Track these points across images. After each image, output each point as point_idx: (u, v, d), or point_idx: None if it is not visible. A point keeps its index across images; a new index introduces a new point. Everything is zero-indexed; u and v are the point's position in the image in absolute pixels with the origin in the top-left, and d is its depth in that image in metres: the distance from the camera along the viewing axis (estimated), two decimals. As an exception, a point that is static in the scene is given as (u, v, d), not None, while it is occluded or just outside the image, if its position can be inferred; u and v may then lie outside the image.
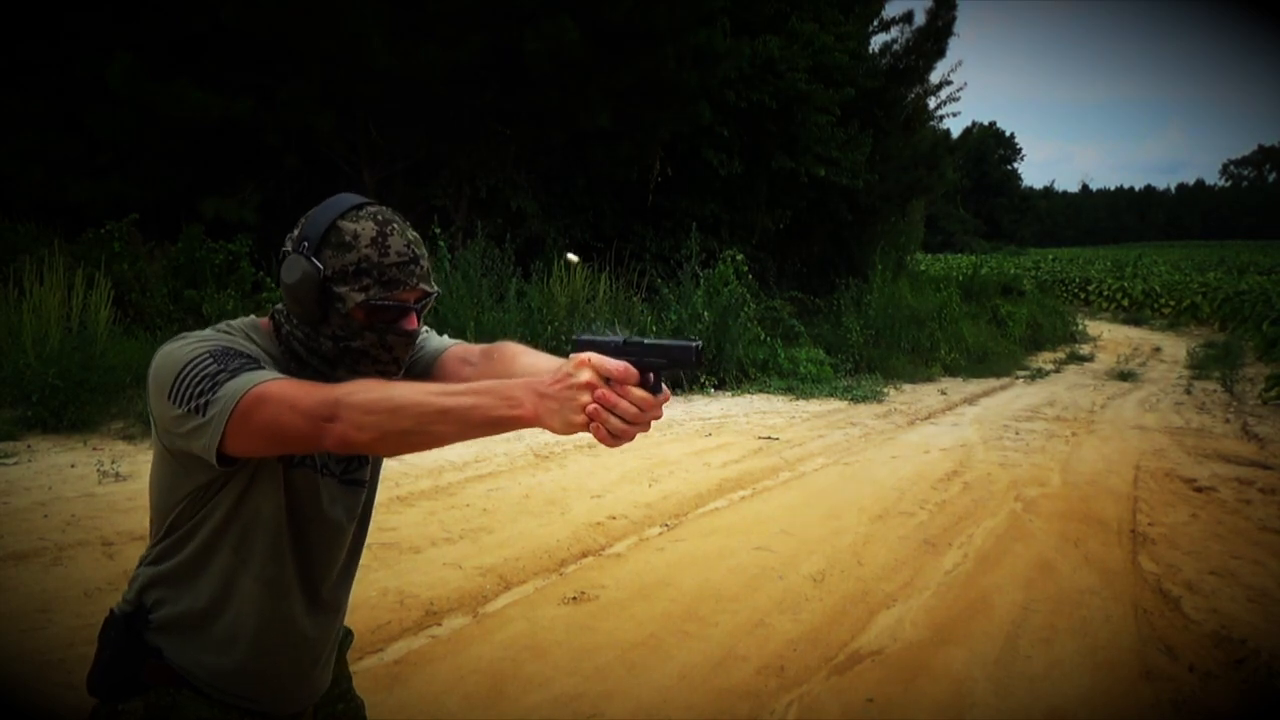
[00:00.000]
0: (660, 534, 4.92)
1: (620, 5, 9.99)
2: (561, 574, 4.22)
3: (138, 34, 8.63)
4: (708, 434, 7.74)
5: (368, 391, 1.18)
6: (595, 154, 12.00)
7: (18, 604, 3.42)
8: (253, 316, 1.39)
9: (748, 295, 11.56)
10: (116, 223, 8.40)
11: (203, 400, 1.20)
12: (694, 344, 1.18)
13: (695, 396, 9.98)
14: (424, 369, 1.50)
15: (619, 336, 1.20)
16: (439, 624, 3.57)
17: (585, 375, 1.12)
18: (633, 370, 1.13)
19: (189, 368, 1.22)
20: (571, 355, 1.17)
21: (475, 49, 9.40)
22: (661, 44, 10.77)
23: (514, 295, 9.58)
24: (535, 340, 9.09)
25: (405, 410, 1.16)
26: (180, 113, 8.48)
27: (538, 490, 5.55)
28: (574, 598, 3.91)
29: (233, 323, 1.38)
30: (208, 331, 1.32)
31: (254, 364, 1.25)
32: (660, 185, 12.81)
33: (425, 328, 1.55)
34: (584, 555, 4.49)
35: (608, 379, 1.12)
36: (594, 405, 1.11)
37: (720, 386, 10.59)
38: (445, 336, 1.60)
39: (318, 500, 1.39)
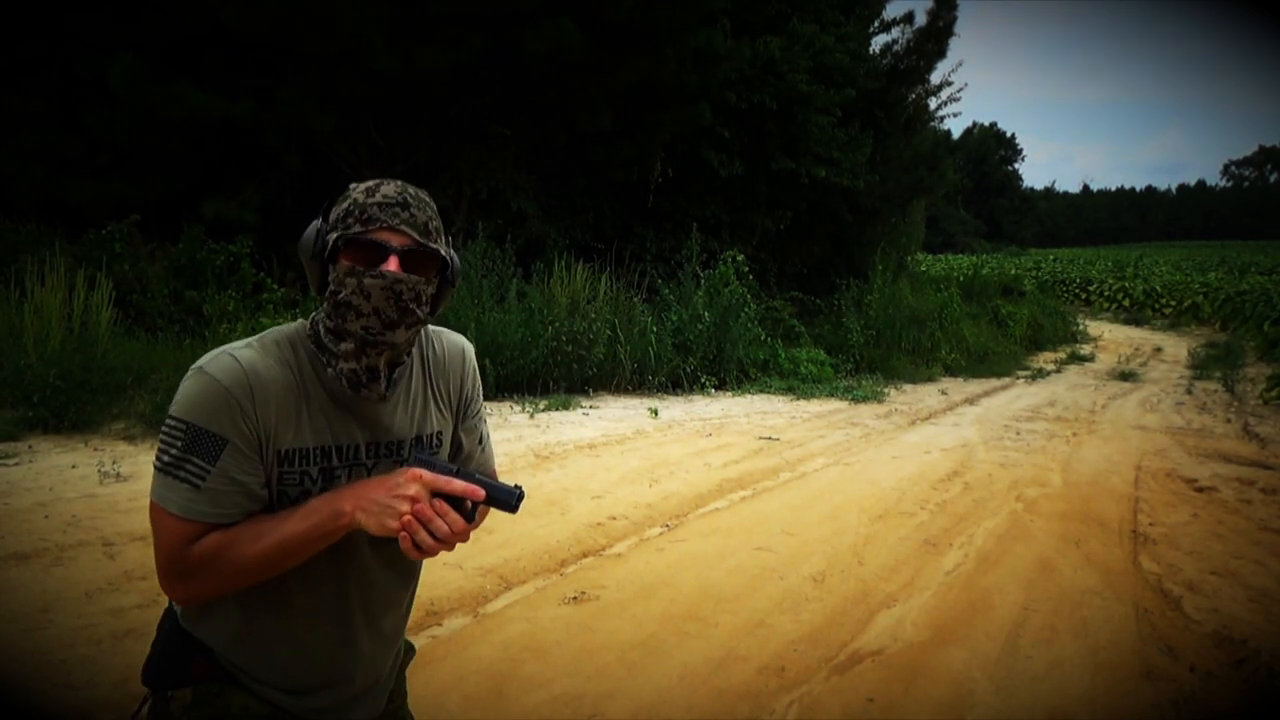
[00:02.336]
0: (661, 534, 4.92)
1: (620, 6, 10.00)
2: (562, 574, 4.22)
3: (138, 35, 8.64)
4: (708, 434, 7.74)
5: (216, 560, 1.26)
6: (596, 155, 12.01)
7: (18, 604, 3.42)
8: (300, 321, 1.41)
9: (748, 296, 11.56)
10: (117, 223, 8.40)
11: (155, 467, 1.31)
12: (516, 491, 1.29)
13: (696, 397, 9.98)
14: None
15: (453, 466, 1.30)
16: (439, 624, 3.57)
17: (412, 488, 1.24)
18: (479, 490, 1.26)
19: (167, 430, 1.30)
20: (406, 468, 1.28)
21: (476, 50, 9.40)
22: (662, 45, 10.77)
23: (514, 296, 9.58)
24: (535, 341, 9.10)
25: (249, 568, 1.27)
26: (181, 113, 8.49)
27: (538, 491, 5.55)
28: (574, 598, 3.91)
29: (279, 332, 1.39)
30: (234, 356, 1.32)
31: (201, 468, 1.27)
32: (661, 186, 12.81)
33: (479, 426, 1.61)
34: (584, 555, 4.49)
35: (444, 495, 1.25)
36: (409, 516, 1.23)
37: (721, 387, 10.59)
38: (493, 462, 1.68)
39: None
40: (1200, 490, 6.50)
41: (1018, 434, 8.61)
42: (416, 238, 1.32)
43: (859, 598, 4.10)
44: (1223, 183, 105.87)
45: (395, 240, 1.31)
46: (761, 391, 10.55)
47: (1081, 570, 4.60)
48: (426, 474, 1.26)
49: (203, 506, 1.27)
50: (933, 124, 18.17)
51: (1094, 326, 23.51)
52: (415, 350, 1.49)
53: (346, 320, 1.32)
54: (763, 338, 11.70)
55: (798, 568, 4.46)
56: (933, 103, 16.82)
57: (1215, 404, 11.71)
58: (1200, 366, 15.96)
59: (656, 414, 8.53)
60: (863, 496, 5.89)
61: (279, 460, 1.32)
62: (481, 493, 1.26)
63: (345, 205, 1.33)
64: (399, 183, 1.35)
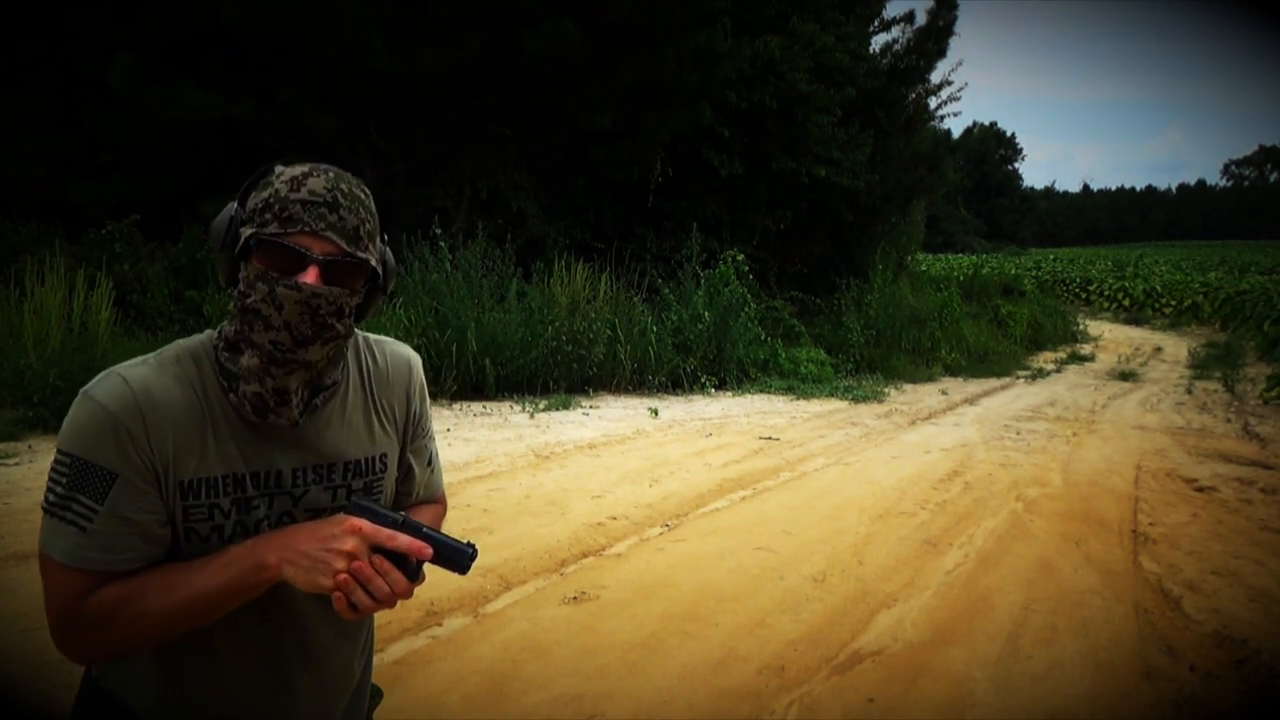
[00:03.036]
0: (661, 534, 4.92)
1: (621, 6, 10.00)
2: (562, 574, 4.22)
3: (139, 35, 8.64)
4: (708, 434, 7.74)
5: (116, 616, 1.11)
6: (596, 154, 12.01)
7: (18, 604, 3.43)
8: (208, 332, 1.25)
9: (748, 295, 11.57)
10: (117, 223, 8.40)
11: (42, 508, 1.16)
12: (469, 550, 1.17)
13: (696, 397, 9.98)
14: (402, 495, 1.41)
15: (399, 515, 1.16)
16: (439, 624, 3.57)
17: (349, 543, 1.10)
18: (426, 548, 1.13)
19: (53, 466, 1.15)
20: (342, 516, 1.14)
21: (476, 50, 9.40)
22: (662, 45, 10.77)
23: (514, 295, 9.57)
24: (535, 340, 9.10)
25: (156, 625, 1.13)
26: (181, 113, 8.49)
27: (538, 491, 5.55)
28: (574, 598, 3.91)
29: (181, 346, 1.23)
30: (123, 376, 1.17)
31: (87, 508, 1.12)
32: (661, 186, 12.82)
33: (428, 456, 1.44)
34: (584, 555, 4.49)
35: (384, 550, 1.11)
36: (345, 575, 1.09)
37: (721, 386, 10.59)
38: (440, 484, 1.52)
39: None
40: (1200, 490, 6.50)
41: (1018, 434, 8.61)
42: (343, 246, 1.15)
43: (859, 598, 4.10)
44: (1223, 182, 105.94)
45: (317, 248, 1.14)
46: (762, 391, 10.55)
47: (1082, 570, 4.60)
48: (367, 526, 1.11)
49: (92, 552, 1.11)
50: (933, 123, 18.19)
51: (1094, 326, 23.51)
52: (352, 361, 1.33)
53: (253, 329, 1.15)
54: (763, 337, 11.70)
55: (798, 568, 4.45)
56: (933, 102, 16.84)
57: (1215, 404, 11.71)
58: (1200, 366, 15.96)
59: (656, 414, 8.53)
60: (863, 496, 5.89)
61: (182, 493, 1.16)
62: (429, 551, 1.12)
63: (265, 196, 1.16)
64: (330, 174, 1.17)
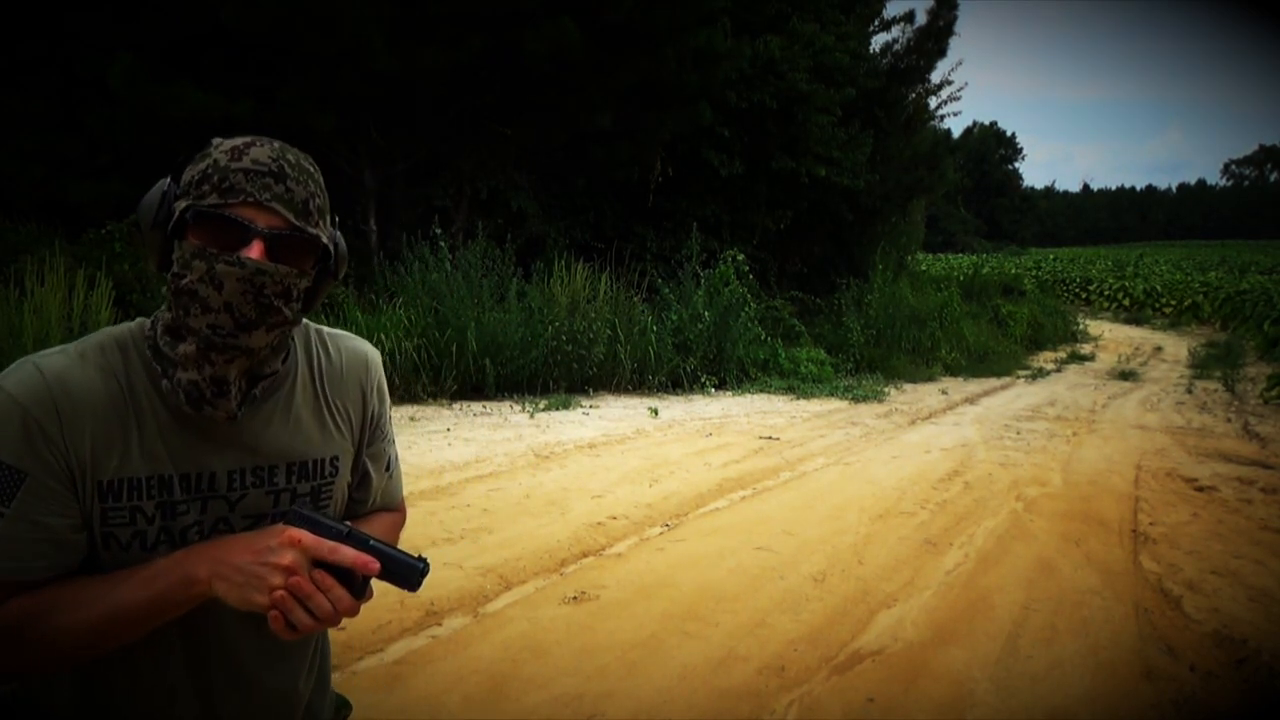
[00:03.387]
0: (661, 534, 4.92)
1: (621, 6, 10.00)
2: (562, 574, 4.22)
3: (138, 35, 8.64)
4: (708, 434, 7.74)
5: (22, 632, 1.00)
6: (596, 154, 12.01)
7: None
8: (140, 320, 1.15)
9: (748, 295, 11.57)
10: (117, 223, 8.40)
11: None
12: (420, 565, 1.07)
13: (696, 396, 9.98)
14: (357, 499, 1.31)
15: (344, 525, 1.06)
16: (439, 624, 3.57)
17: (287, 557, 1.00)
18: (373, 563, 1.03)
19: None
20: (281, 526, 1.05)
21: (476, 50, 9.40)
22: (662, 44, 10.77)
23: (514, 295, 9.58)
24: (535, 340, 9.10)
25: (69, 643, 1.02)
26: (181, 113, 8.48)
27: (538, 490, 5.55)
28: (574, 598, 3.91)
29: (107, 334, 1.13)
30: (38, 365, 1.07)
31: None
32: (661, 185, 12.82)
33: (388, 460, 1.35)
34: (584, 555, 4.49)
35: (327, 565, 1.02)
36: (283, 592, 0.99)
37: (721, 386, 10.59)
38: (399, 491, 1.41)
39: None
40: (1200, 490, 6.50)
41: (1018, 433, 8.61)
42: (291, 219, 1.06)
43: (859, 597, 4.10)
44: (1223, 182, 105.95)
45: (262, 220, 1.04)
46: (762, 391, 10.55)
47: (1082, 570, 4.60)
48: (307, 538, 1.02)
49: None
50: (933, 123, 18.19)
51: (1094, 326, 23.51)
52: (301, 354, 1.22)
53: (190, 314, 1.04)
54: (763, 337, 11.71)
55: (798, 567, 4.45)
56: (933, 102, 16.85)
57: (1215, 403, 11.71)
58: (1200, 366, 15.96)
59: (656, 413, 8.53)
60: (863, 496, 5.89)
61: (100, 494, 1.05)
62: (376, 565, 1.03)
63: (202, 167, 1.06)
64: (276, 144, 1.08)
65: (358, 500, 1.31)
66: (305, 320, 1.25)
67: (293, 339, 1.22)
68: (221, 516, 1.13)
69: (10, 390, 1.04)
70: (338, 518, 1.20)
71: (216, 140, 1.09)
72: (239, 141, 1.07)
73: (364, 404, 1.28)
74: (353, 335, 1.33)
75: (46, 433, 1.03)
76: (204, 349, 1.05)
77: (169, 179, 1.10)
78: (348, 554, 1.03)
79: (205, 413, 1.07)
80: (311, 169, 1.12)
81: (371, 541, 1.06)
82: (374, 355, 1.34)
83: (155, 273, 1.14)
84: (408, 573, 1.07)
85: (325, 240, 1.12)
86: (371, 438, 1.30)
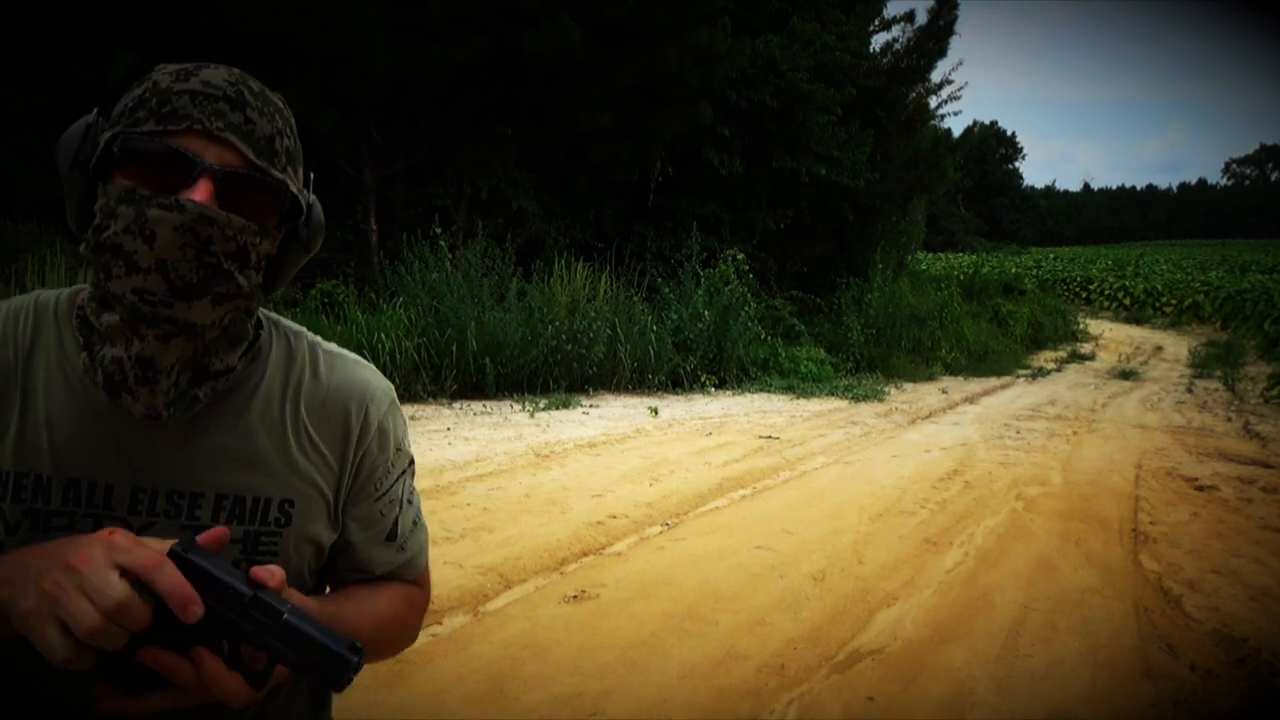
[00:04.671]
0: (661, 533, 4.92)
1: (622, 5, 10.00)
2: (562, 573, 4.22)
3: (140, 34, 8.65)
4: (708, 433, 7.74)
5: None
6: (596, 154, 12.01)
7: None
8: (81, 286, 0.93)
9: (748, 294, 11.57)
10: (118, 223, 8.41)
11: None
12: (351, 657, 0.78)
13: (696, 395, 9.98)
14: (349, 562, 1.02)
15: (248, 588, 0.77)
16: (439, 623, 3.57)
17: (94, 552, 0.73)
18: (194, 605, 0.73)
19: None
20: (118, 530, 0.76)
21: (477, 50, 9.40)
22: (663, 44, 10.77)
23: (515, 295, 9.58)
24: (535, 339, 9.10)
25: None
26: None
27: (538, 489, 5.55)
28: (574, 596, 3.91)
29: (36, 296, 0.95)
30: None
31: None
32: (661, 185, 12.82)
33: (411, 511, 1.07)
34: (584, 554, 4.49)
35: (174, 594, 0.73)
36: (31, 606, 0.72)
37: (721, 385, 10.59)
38: (419, 563, 1.09)
39: None
40: (1201, 489, 6.50)
41: (1018, 433, 8.61)
42: (249, 154, 0.84)
43: (859, 596, 4.10)
44: (1224, 181, 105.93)
45: (211, 153, 0.82)
46: (762, 390, 10.55)
47: (1082, 569, 4.60)
48: (121, 537, 0.74)
49: None
50: (933, 122, 18.19)
51: (1094, 325, 23.50)
52: (278, 361, 0.98)
53: (111, 275, 0.82)
54: (763, 336, 11.71)
55: (798, 566, 4.46)
56: (933, 101, 16.85)
57: (1216, 403, 11.71)
58: (1201, 365, 15.96)
59: (656, 413, 8.53)
60: (863, 495, 5.89)
61: None
62: (196, 608, 0.74)
63: (139, 91, 0.85)
64: (235, 70, 0.87)
65: (344, 568, 1.03)
66: (305, 332, 1.04)
67: (268, 338, 0.98)
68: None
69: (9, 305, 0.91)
70: (304, 584, 0.96)
71: (161, 66, 0.86)
72: (188, 65, 0.86)
73: (349, 446, 0.99)
74: (363, 363, 1.06)
75: None
76: (130, 320, 0.83)
77: (95, 110, 0.88)
78: (166, 580, 0.73)
79: (122, 403, 0.85)
80: (281, 105, 0.91)
81: (286, 614, 0.77)
82: (378, 390, 1.04)
83: (74, 233, 0.88)
84: (330, 663, 0.78)
85: (294, 190, 0.89)
86: (359, 494, 1.00)
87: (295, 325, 1.05)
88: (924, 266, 22.94)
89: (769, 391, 10.52)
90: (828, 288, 15.00)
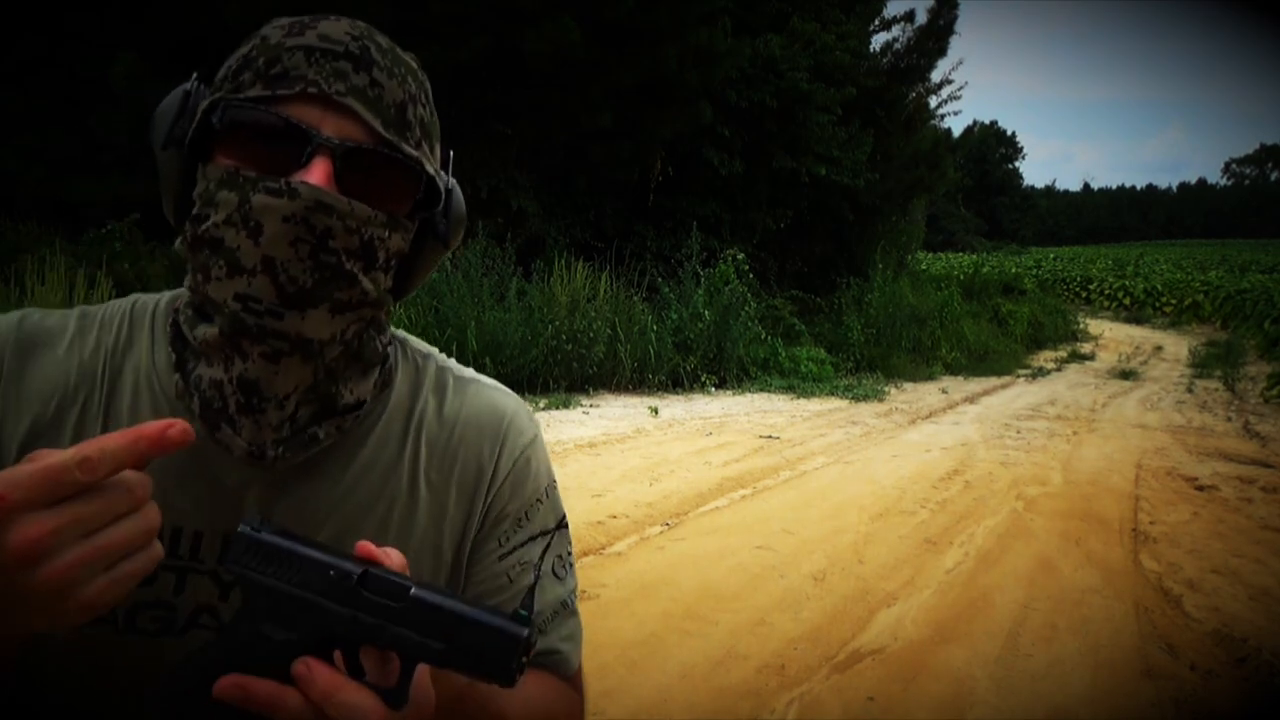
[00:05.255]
0: (661, 533, 4.92)
1: (622, 5, 10.00)
2: (562, 573, 4.22)
3: (140, 34, 8.65)
4: (708, 433, 7.74)
5: None
6: (596, 154, 12.01)
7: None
8: (182, 290, 0.76)
9: (749, 294, 11.57)
10: (118, 222, 8.42)
11: None
12: (521, 630, 0.57)
13: (696, 395, 9.98)
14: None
15: (355, 565, 0.59)
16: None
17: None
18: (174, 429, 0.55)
19: None
20: None
21: (477, 50, 9.40)
22: (663, 44, 10.77)
23: (515, 295, 9.58)
24: (535, 339, 9.10)
25: None
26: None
27: (539, 489, 5.55)
28: (575, 596, 3.91)
29: (126, 304, 0.81)
30: (24, 314, 0.78)
31: None
32: (661, 185, 12.82)
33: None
34: (585, 554, 4.49)
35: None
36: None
37: (721, 385, 10.59)
38: (573, 658, 0.87)
39: (110, 675, 0.74)
40: (1201, 489, 6.50)
41: (1018, 432, 8.61)
42: (376, 126, 0.69)
43: (859, 596, 4.10)
44: (1224, 181, 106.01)
45: (330, 124, 0.68)
46: (762, 390, 10.55)
47: (1082, 569, 4.60)
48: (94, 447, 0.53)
49: None
50: (933, 122, 18.19)
51: (1094, 325, 23.50)
52: (402, 394, 0.82)
53: (210, 277, 0.69)
54: (763, 336, 11.71)
55: (798, 566, 4.46)
56: (933, 101, 16.84)
57: (1216, 402, 11.71)
58: (1201, 365, 15.96)
59: (657, 413, 8.53)
60: (863, 495, 5.89)
61: None
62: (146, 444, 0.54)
63: (245, 50, 0.72)
64: (360, 23, 0.73)
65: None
66: (435, 353, 0.88)
67: (394, 360, 0.82)
68: (206, 606, 0.74)
69: (105, 310, 0.80)
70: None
71: (275, 19, 0.73)
72: (304, 17, 0.72)
73: (479, 492, 0.82)
74: (502, 389, 0.89)
75: None
76: (231, 334, 0.69)
77: (194, 76, 0.76)
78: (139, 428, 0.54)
79: (221, 436, 0.71)
80: (415, 66, 0.76)
81: (414, 589, 0.58)
82: (517, 420, 0.86)
83: (172, 225, 0.75)
84: (493, 644, 0.57)
85: (430, 170, 0.74)
86: (479, 548, 0.82)
87: (424, 345, 0.89)
88: (924, 266, 22.92)
89: (769, 391, 10.52)
90: (828, 288, 15.00)
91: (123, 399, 0.75)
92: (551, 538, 0.86)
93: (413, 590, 0.58)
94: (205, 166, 0.71)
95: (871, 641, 3.62)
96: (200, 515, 0.74)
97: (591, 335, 9.48)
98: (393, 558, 0.60)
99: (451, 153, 0.83)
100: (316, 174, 0.67)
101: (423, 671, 0.60)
